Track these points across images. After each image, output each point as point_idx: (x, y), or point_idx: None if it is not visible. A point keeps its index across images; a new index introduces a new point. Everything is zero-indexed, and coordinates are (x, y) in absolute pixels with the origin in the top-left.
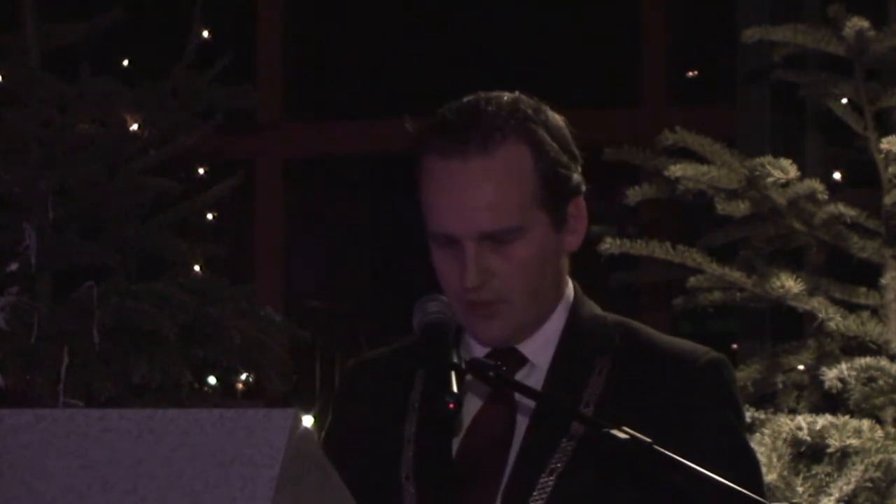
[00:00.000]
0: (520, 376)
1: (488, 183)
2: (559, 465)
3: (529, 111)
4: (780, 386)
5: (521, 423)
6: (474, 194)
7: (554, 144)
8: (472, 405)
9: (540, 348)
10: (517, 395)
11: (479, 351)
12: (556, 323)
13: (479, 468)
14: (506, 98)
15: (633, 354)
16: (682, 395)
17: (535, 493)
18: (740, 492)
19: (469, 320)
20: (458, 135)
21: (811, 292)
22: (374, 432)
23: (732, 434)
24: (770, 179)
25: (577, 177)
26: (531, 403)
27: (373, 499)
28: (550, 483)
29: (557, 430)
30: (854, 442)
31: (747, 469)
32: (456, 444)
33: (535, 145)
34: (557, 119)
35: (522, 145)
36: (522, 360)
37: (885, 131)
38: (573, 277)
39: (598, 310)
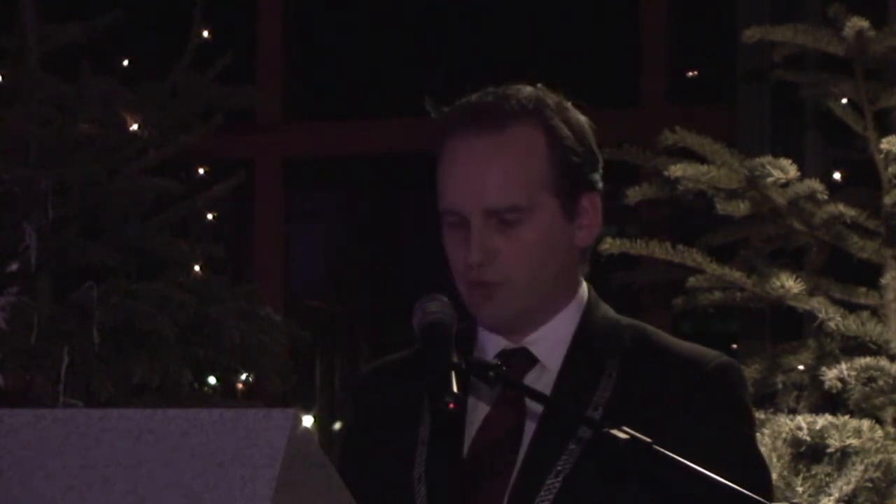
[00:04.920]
0: (530, 378)
1: (497, 159)
2: (566, 467)
3: (550, 102)
4: (780, 386)
5: (530, 424)
6: (482, 169)
7: (570, 135)
8: (483, 407)
9: (551, 350)
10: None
11: (491, 352)
12: (568, 325)
13: (487, 470)
14: (529, 89)
15: (643, 358)
16: (690, 399)
17: (541, 495)
18: (742, 493)
19: (471, 301)
20: (475, 115)
21: (811, 292)
22: (392, 436)
23: (741, 439)
24: (770, 179)
25: (594, 175)
26: (540, 405)
27: (387, 501)
28: (556, 485)
29: (565, 432)
30: (854, 442)
31: (756, 474)
32: (467, 445)
33: (549, 131)
34: (580, 117)
35: (537, 129)
36: (533, 362)
37: (885, 131)
38: None
39: (612, 312)
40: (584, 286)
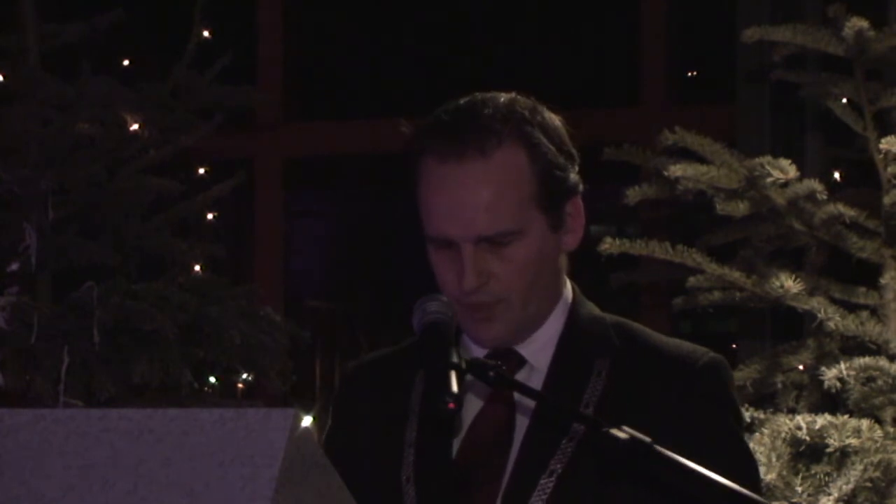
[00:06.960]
0: (519, 378)
1: (485, 186)
2: (559, 466)
3: (526, 113)
4: (780, 386)
5: (521, 423)
6: (472, 197)
7: (550, 146)
8: (472, 406)
9: (539, 350)
10: (517, 396)
11: (478, 352)
12: (555, 324)
13: (479, 470)
14: (502, 100)
15: (633, 356)
16: (681, 397)
17: (534, 495)
18: (739, 492)
19: (467, 322)
20: (454, 138)
21: (811, 292)
22: (375, 436)
23: (731, 436)
24: (770, 179)
25: (573, 176)
26: (531, 404)
27: (373, 503)
28: (550, 484)
29: (557, 431)
30: (853, 442)
31: (746, 471)
32: (456, 445)
33: (531, 148)
34: (554, 119)
35: (519, 148)
36: (521, 362)
37: (884, 131)
38: (573, 278)
39: (596, 310)
40: (569, 285)
